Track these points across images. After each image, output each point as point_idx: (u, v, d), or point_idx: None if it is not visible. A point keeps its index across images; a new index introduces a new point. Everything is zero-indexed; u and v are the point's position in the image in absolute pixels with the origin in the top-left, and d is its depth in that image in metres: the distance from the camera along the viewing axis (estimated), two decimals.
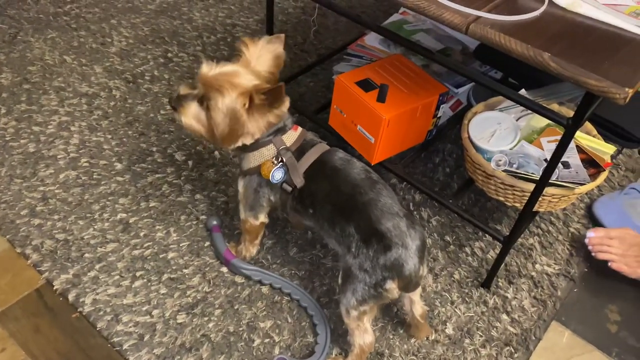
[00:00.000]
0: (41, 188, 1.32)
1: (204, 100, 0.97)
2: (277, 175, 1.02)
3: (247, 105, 0.95)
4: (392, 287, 0.94)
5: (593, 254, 1.24)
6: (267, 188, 1.07)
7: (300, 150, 1.03)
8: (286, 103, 1.00)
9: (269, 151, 1.03)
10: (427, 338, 1.13)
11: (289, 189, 1.03)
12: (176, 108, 1.00)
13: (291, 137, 1.04)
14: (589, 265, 1.29)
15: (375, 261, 0.93)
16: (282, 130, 1.03)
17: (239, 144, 1.01)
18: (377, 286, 0.94)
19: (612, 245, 1.23)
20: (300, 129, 1.06)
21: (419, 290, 1.04)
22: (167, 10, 1.89)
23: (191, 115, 0.99)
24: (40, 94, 1.55)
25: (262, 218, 1.13)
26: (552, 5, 0.88)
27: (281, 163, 1.02)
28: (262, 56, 1.00)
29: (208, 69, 0.97)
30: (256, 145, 1.03)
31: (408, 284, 0.96)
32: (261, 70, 0.99)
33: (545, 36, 0.82)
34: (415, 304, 1.06)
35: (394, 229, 0.93)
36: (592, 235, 1.25)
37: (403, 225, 0.94)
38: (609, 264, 1.22)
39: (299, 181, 1.01)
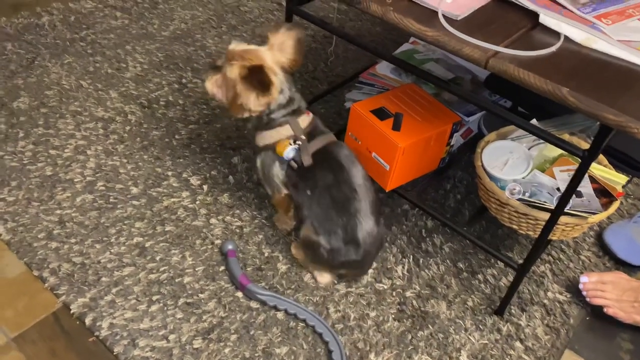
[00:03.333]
0: (58, 211, 1.33)
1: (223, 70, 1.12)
2: (289, 153, 1.14)
3: (242, 78, 1.08)
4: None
5: (588, 299, 1.24)
6: (277, 162, 1.17)
7: (310, 134, 1.16)
8: (274, 87, 1.09)
9: (285, 130, 1.14)
10: None
11: (295, 166, 1.15)
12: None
13: (305, 120, 1.16)
14: None
15: (346, 257, 1.14)
16: (297, 112, 1.15)
17: (245, 114, 1.14)
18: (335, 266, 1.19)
19: (606, 290, 1.22)
20: (311, 114, 1.19)
21: None
22: (180, 37, 1.93)
23: (212, 82, 1.15)
24: (57, 118, 1.57)
25: (284, 191, 1.22)
26: (568, 40, 0.91)
27: (297, 144, 1.13)
28: (284, 42, 1.13)
29: (235, 46, 1.12)
30: (273, 123, 1.15)
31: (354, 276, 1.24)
32: (283, 55, 1.13)
33: (563, 71, 0.84)
34: None
35: (368, 236, 1.13)
36: (586, 281, 1.24)
37: (374, 234, 1.14)
38: (604, 309, 1.22)
39: (307, 159, 1.13)
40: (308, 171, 1.14)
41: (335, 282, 1.24)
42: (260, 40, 1.16)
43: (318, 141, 1.15)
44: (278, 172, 1.18)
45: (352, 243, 1.13)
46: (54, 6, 2.00)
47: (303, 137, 1.14)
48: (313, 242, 1.16)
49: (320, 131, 1.17)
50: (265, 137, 1.17)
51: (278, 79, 1.11)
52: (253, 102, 1.10)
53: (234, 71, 1.09)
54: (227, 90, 1.13)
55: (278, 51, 1.12)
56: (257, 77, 1.07)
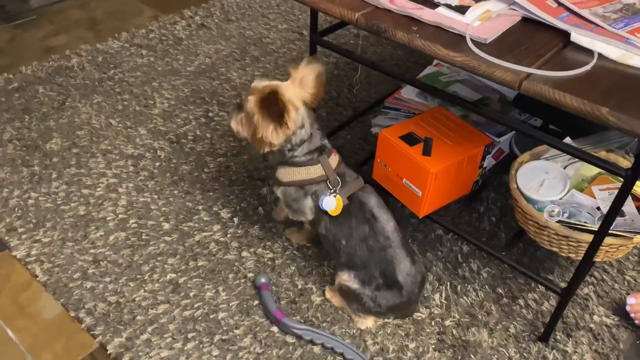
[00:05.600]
0: (92, 250, 1.34)
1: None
2: (329, 205, 1.12)
3: (259, 108, 1.07)
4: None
5: (636, 322, 1.19)
6: (310, 198, 1.16)
7: (340, 174, 1.15)
8: (290, 115, 1.06)
9: (316, 170, 1.13)
10: None
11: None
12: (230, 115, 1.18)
13: (335, 160, 1.16)
14: None
15: (391, 301, 1.14)
16: (325, 151, 1.14)
17: (267, 148, 1.12)
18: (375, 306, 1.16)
19: None
20: (337, 153, 1.18)
21: None
22: (205, 72, 1.96)
23: (237, 120, 1.16)
24: (88, 157, 1.60)
25: (310, 218, 1.20)
26: (602, 58, 0.89)
27: (334, 190, 1.13)
28: (305, 76, 1.12)
29: (257, 82, 1.12)
30: (297, 160, 1.13)
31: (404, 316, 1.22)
32: (305, 89, 1.12)
33: (599, 90, 0.82)
34: None
35: (408, 277, 1.13)
36: (633, 302, 1.19)
37: (413, 274, 1.14)
38: None
39: (345, 201, 1.13)
40: (341, 217, 1.13)
41: (371, 325, 1.21)
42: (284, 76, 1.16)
43: (351, 187, 1.15)
44: (309, 207, 1.17)
45: (394, 287, 1.13)
46: (82, 48, 2.06)
47: (337, 177, 1.13)
48: (353, 290, 1.15)
49: (348, 174, 1.17)
50: (291, 174, 1.15)
51: (298, 112, 1.10)
52: (272, 134, 1.09)
53: (251, 102, 1.09)
54: (248, 125, 1.13)
55: (299, 86, 1.12)
56: (274, 107, 1.06)
